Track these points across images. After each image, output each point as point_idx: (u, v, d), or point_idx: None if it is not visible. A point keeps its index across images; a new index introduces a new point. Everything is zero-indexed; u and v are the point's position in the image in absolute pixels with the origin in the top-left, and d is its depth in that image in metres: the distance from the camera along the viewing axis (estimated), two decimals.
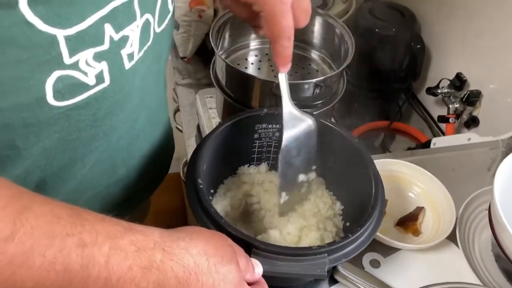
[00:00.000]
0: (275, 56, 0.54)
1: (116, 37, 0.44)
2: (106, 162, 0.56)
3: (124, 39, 0.45)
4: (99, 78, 0.45)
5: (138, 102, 0.55)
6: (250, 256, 0.49)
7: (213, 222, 0.52)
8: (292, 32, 0.53)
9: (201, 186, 0.55)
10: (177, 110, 1.20)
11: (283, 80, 0.58)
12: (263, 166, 0.70)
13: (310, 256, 0.50)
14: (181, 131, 1.10)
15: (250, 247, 0.50)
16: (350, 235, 0.52)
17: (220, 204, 0.65)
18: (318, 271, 0.50)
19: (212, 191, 0.67)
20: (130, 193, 0.65)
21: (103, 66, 0.45)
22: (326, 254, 0.51)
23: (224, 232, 0.50)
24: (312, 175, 0.65)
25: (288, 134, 0.58)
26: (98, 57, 0.43)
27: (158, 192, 0.76)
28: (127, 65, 0.48)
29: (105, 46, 0.43)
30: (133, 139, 0.59)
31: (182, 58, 1.18)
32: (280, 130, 0.59)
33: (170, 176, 0.79)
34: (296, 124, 0.59)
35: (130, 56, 0.48)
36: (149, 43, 0.51)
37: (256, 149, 0.69)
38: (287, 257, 0.50)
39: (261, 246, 0.50)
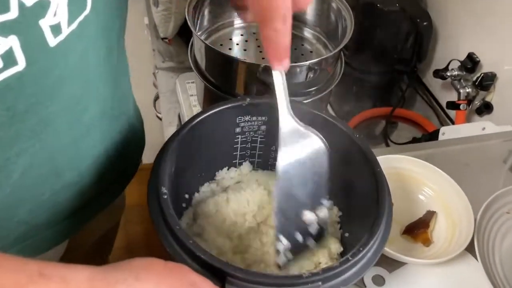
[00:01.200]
0: (266, 45, 0.40)
1: (29, 2, 0.33)
2: (44, 166, 0.46)
3: (43, 5, 0.35)
4: (8, 58, 0.35)
5: (80, 90, 0.44)
6: (224, 287, 0.39)
7: (179, 243, 0.42)
8: (289, 11, 0.39)
9: (165, 197, 0.45)
10: (157, 96, 1.10)
11: (279, 81, 0.43)
12: (246, 166, 0.60)
13: (301, 286, 0.41)
14: (161, 119, 1.01)
15: (224, 275, 0.40)
16: (350, 258, 0.42)
17: None
18: None
19: (187, 196, 0.57)
20: (86, 199, 0.55)
21: (12, 42, 0.34)
22: (320, 283, 0.41)
23: (191, 256, 0.40)
24: (323, 212, 0.50)
25: (287, 157, 0.45)
26: (2, 29, 0.33)
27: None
28: (52, 41, 0.37)
29: (12, 14, 0.33)
30: (82, 136, 0.48)
31: (162, 39, 1.11)
32: (276, 147, 0.45)
33: None
34: (297, 143, 0.45)
35: (56, 29, 0.37)
36: (86, 12, 0.39)
37: (238, 145, 0.59)
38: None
39: (236, 275, 0.40)
